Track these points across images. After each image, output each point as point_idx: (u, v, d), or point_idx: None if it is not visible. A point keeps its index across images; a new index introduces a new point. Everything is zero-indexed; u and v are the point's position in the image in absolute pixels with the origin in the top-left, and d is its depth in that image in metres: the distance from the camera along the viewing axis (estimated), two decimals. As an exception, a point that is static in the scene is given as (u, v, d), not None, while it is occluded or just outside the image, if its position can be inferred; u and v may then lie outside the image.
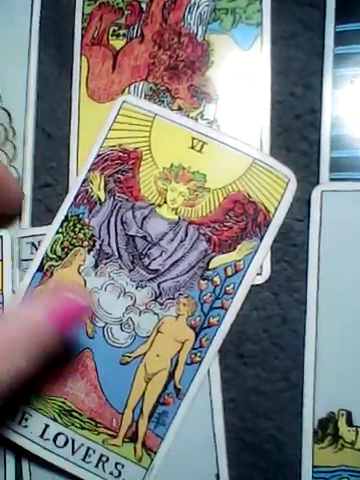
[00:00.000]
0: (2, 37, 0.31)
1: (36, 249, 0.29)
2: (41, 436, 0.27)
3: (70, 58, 0.30)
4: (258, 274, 0.27)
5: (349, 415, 0.26)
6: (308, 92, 0.29)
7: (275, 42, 0.29)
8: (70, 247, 0.28)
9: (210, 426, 0.27)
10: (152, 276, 0.27)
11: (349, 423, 0.26)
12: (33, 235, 0.29)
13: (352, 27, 0.28)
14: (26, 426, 0.27)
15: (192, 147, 0.28)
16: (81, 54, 0.30)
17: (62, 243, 0.28)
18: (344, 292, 0.26)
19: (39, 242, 0.29)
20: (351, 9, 0.28)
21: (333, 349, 0.26)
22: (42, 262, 0.28)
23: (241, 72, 0.29)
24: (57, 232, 0.28)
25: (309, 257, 0.27)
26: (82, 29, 0.31)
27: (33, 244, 0.29)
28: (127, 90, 0.30)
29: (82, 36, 0.31)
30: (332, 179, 0.28)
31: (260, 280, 0.27)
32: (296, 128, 0.28)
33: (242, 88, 0.29)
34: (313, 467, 0.26)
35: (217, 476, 0.27)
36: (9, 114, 0.30)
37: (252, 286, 0.27)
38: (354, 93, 0.28)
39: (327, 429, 0.26)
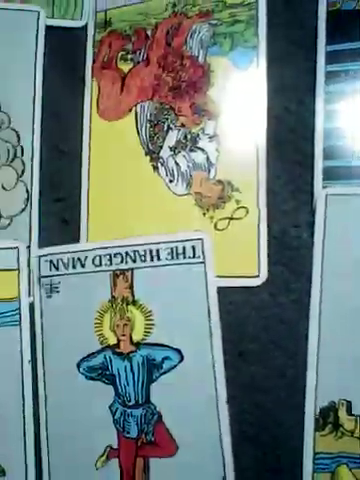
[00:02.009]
0: (10, 60, 0.33)
1: (55, 267, 0.31)
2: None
3: (82, 81, 0.33)
4: (256, 276, 0.29)
5: (349, 404, 0.27)
6: (301, 107, 0.30)
7: (270, 62, 0.31)
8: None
9: (216, 420, 0.28)
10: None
11: (349, 412, 0.27)
12: (51, 253, 0.31)
13: (342, 47, 0.30)
14: None
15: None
16: (92, 77, 0.33)
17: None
18: (347, 288, 0.27)
19: (58, 260, 0.31)
20: (341, 30, 0.30)
21: (334, 341, 0.27)
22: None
23: (239, 91, 0.31)
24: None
25: (313, 259, 0.28)
26: (93, 54, 0.33)
27: (51, 262, 0.31)
28: (134, 109, 0.32)
29: (93, 61, 0.33)
30: (325, 187, 0.29)
31: (258, 282, 0.29)
32: (291, 141, 0.30)
33: (240, 105, 0.31)
34: (314, 453, 0.27)
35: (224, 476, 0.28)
36: (18, 134, 0.32)
37: (251, 288, 0.29)
38: (344, 108, 0.30)
39: (328, 417, 0.27)
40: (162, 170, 0.31)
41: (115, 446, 0.30)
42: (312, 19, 0.30)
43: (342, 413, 0.27)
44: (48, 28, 0.33)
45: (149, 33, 0.33)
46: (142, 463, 0.30)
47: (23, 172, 0.32)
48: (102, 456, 0.30)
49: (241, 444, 0.29)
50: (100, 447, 0.30)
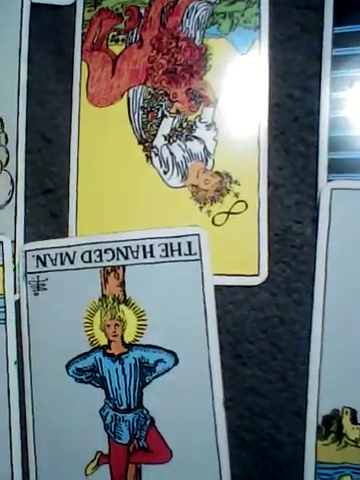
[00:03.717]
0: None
1: (42, 262, 0.30)
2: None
3: (70, 64, 0.31)
4: (256, 275, 0.28)
5: (353, 413, 0.26)
6: (306, 94, 0.29)
7: (273, 45, 0.29)
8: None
9: (212, 426, 0.27)
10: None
11: (353, 421, 0.26)
12: (38, 248, 0.30)
13: (350, 29, 0.29)
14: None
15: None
16: (81, 59, 0.31)
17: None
18: (351, 290, 0.26)
19: (45, 256, 0.29)
20: (349, 11, 0.29)
21: (338, 346, 0.26)
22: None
23: (239, 75, 0.29)
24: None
25: (317, 254, 0.27)
26: (82, 35, 0.31)
27: (38, 257, 0.30)
28: (126, 94, 0.30)
29: (82, 42, 0.31)
30: (330, 180, 0.28)
31: (258, 281, 0.28)
32: (294, 130, 0.29)
33: (240, 91, 0.29)
34: (316, 463, 0.26)
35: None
36: (1, 121, 0.31)
37: (250, 287, 0.28)
38: (352, 95, 0.28)
39: (331, 426, 0.26)
40: (156, 160, 0.30)
41: (106, 452, 0.29)
42: (318, -2, 0.28)
43: (346, 421, 0.26)
44: (34, 6, 0.31)
45: (142, 12, 0.31)
46: (134, 470, 0.29)
47: (7, 161, 0.31)
48: (92, 462, 0.29)
49: (238, 451, 0.28)
50: (90, 453, 0.29)
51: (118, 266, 0.29)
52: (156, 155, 0.30)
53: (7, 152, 0.31)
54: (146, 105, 0.30)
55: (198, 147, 0.29)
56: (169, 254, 0.28)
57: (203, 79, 0.30)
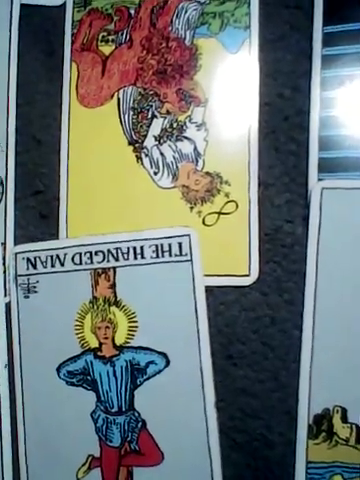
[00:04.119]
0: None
1: (32, 265, 0.29)
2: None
3: (60, 64, 0.31)
4: (246, 275, 0.28)
5: (344, 412, 0.26)
6: (296, 94, 0.29)
7: (263, 45, 0.29)
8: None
9: (204, 427, 0.27)
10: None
11: (344, 420, 0.26)
12: (29, 250, 0.30)
13: (340, 28, 0.29)
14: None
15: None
16: (71, 60, 0.31)
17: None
18: (342, 289, 0.26)
19: (35, 258, 0.29)
20: (338, 11, 0.29)
21: (329, 345, 0.26)
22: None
23: (229, 75, 0.29)
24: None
25: (308, 253, 0.27)
26: (72, 35, 0.31)
27: (28, 260, 0.30)
28: (116, 95, 0.30)
29: (72, 42, 0.31)
30: (320, 180, 0.28)
31: (249, 281, 0.28)
32: (284, 129, 0.29)
33: (230, 91, 0.29)
34: (307, 463, 0.26)
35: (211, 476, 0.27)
36: None
37: (241, 287, 0.27)
38: (342, 94, 0.28)
39: (322, 425, 0.26)
40: (146, 161, 0.30)
41: (97, 455, 0.29)
42: (308, -2, 0.28)
43: (336, 421, 0.26)
44: (23, 6, 0.31)
45: (132, 12, 0.30)
46: (126, 473, 0.28)
47: (-3, 162, 0.30)
48: (84, 465, 0.29)
49: (230, 452, 0.27)
50: (82, 456, 0.29)
51: (109, 268, 0.29)
52: (146, 156, 0.30)
53: (-4, 153, 0.31)
54: (136, 106, 0.30)
55: (188, 148, 0.29)
56: (160, 255, 0.28)
57: (193, 79, 0.29)
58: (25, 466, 0.29)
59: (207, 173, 0.29)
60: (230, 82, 0.29)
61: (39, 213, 0.31)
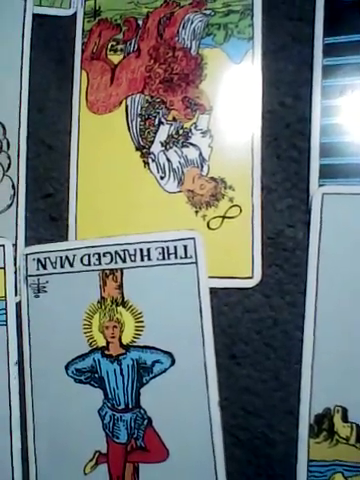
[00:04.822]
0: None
1: (42, 265, 0.30)
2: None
3: (70, 72, 0.32)
4: (250, 278, 0.28)
5: (345, 411, 0.26)
6: (298, 102, 0.29)
7: (266, 55, 0.30)
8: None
9: (208, 425, 0.28)
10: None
11: (344, 419, 0.26)
12: (39, 252, 0.30)
13: (340, 40, 0.29)
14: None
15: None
16: (81, 68, 0.32)
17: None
18: (342, 292, 0.27)
19: (45, 259, 0.30)
20: (339, 22, 0.29)
21: (330, 346, 0.27)
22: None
23: (233, 84, 0.30)
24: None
25: (309, 257, 0.27)
26: (82, 44, 0.32)
27: (39, 260, 0.30)
28: (124, 102, 0.31)
29: (82, 51, 0.32)
30: (321, 185, 0.28)
31: (252, 283, 0.28)
32: (286, 137, 0.29)
33: (234, 99, 0.30)
34: (308, 461, 0.26)
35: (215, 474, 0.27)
36: (3, 127, 0.31)
37: (244, 289, 0.28)
38: (342, 102, 0.29)
39: (323, 424, 0.26)
40: (153, 166, 0.30)
41: (104, 451, 0.29)
42: (309, 10, 0.29)
43: (337, 420, 0.26)
44: (35, 17, 0.32)
45: (140, 23, 0.31)
46: (132, 469, 0.29)
47: (9, 166, 0.31)
48: (91, 461, 0.29)
49: (233, 449, 0.28)
50: (89, 452, 0.29)
51: (116, 269, 0.30)
52: (153, 161, 0.31)
53: (9, 158, 0.31)
54: (144, 113, 0.31)
55: (194, 153, 0.30)
56: (166, 257, 0.29)
57: (199, 88, 0.30)
58: (34, 461, 0.30)
59: (212, 178, 0.30)
60: (234, 91, 0.30)
61: (49, 215, 0.31)
